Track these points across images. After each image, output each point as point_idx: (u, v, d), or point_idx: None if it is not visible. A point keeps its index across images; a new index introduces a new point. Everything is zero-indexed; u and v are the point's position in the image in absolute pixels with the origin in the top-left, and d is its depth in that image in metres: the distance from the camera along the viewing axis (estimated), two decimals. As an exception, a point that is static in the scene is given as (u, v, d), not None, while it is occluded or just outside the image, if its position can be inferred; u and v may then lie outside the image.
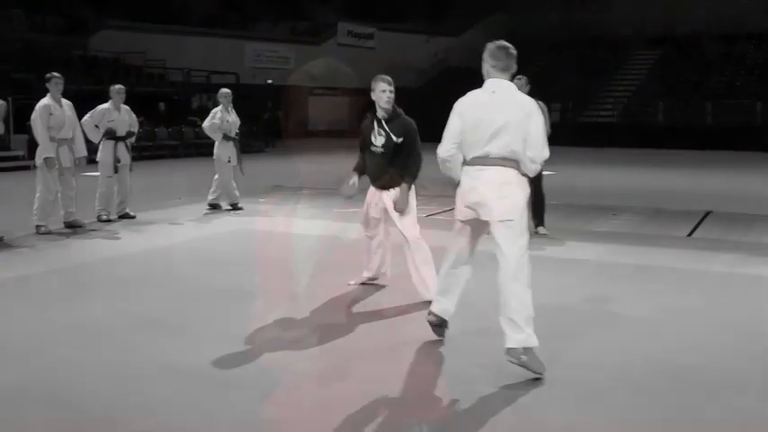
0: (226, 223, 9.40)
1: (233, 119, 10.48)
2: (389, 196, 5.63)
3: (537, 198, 8.50)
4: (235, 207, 10.36)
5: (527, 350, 4.04)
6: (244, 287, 6.07)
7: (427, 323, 4.67)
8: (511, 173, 4.07)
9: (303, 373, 4.19)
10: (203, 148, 21.69)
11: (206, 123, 10.47)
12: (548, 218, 8.61)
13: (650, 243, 8.08)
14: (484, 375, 4.14)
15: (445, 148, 4.32)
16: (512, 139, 4.04)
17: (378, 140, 5.61)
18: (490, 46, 4.25)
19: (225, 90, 10.65)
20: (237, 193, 10.45)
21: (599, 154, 21.93)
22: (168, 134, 21.53)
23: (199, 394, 3.88)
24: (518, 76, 8.54)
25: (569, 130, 25.11)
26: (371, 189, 5.80)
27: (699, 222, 9.50)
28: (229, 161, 10.35)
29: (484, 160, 4.09)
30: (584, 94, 29.48)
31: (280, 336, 4.87)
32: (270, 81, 30.52)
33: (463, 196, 4.22)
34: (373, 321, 5.21)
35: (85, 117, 9.29)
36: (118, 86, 9.62)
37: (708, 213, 10.14)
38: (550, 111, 8.79)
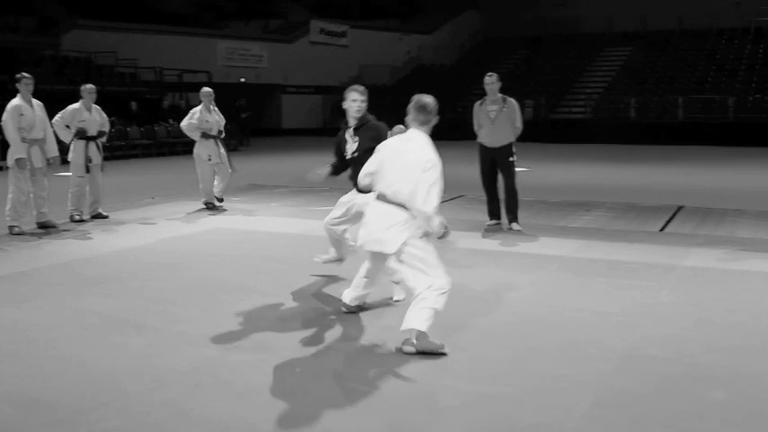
0: (200, 223, 9.35)
1: (214, 118, 10.42)
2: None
3: (510, 194, 8.58)
4: (209, 206, 10.31)
5: (420, 334, 4.41)
6: (217, 287, 6.05)
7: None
8: (401, 213, 4.53)
9: (275, 372, 4.19)
10: (176, 147, 21.64)
11: (184, 122, 10.43)
12: (521, 214, 8.68)
13: (623, 238, 8.17)
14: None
15: (366, 171, 4.87)
16: (402, 186, 4.51)
17: (351, 147, 5.84)
18: (413, 100, 4.68)
19: (206, 89, 10.60)
20: (217, 193, 10.44)
21: (572, 150, 22.10)
22: (140, 133, 21.35)
23: (173, 393, 3.87)
24: (489, 73, 8.65)
25: (542, 127, 25.29)
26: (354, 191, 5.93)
27: (671, 217, 9.61)
28: (209, 159, 10.30)
29: (385, 198, 4.61)
30: (556, 90, 29.69)
31: (253, 335, 4.86)
32: (243, 79, 30.38)
33: (363, 226, 4.77)
34: (347, 317, 5.22)
35: (56, 117, 9.21)
36: (89, 86, 9.53)
37: (680, 208, 10.27)
38: (523, 108, 8.86)
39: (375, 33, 34.93)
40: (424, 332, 4.41)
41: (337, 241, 6.18)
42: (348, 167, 5.91)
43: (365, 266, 5.15)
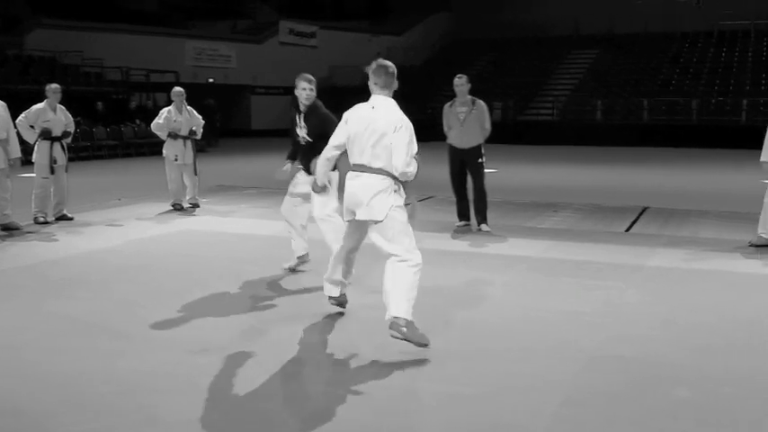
0: (168, 224, 9.26)
1: (185, 117, 10.34)
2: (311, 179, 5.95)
3: (479, 195, 8.63)
4: (176, 207, 10.23)
5: (409, 323, 4.41)
6: (187, 289, 6.00)
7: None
8: (383, 180, 4.53)
9: (246, 374, 4.17)
10: (143, 147, 21.41)
11: (153, 122, 10.38)
12: (490, 215, 8.73)
13: (590, 239, 8.26)
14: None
15: (329, 150, 4.88)
16: (380, 151, 4.50)
17: (301, 132, 6.23)
18: (372, 64, 4.68)
19: (178, 89, 10.53)
20: (189, 194, 10.38)
21: (540, 152, 22.28)
22: (107, 134, 21.09)
23: (143, 397, 3.83)
24: (459, 75, 8.69)
25: (511, 129, 25.47)
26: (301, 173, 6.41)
27: (636, 218, 9.74)
28: (176, 160, 10.22)
29: (362, 168, 4.57)
30: (524, 92, 29.92)
31: (224, 337, 4.83)
32: (211, 80, 30.15)
33: (346, 199, 4.69)
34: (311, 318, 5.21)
35: (20, 117, 9.04)
36: (53, 86, 9.38)
37: (645, 209, 10.41)
38: (492, 109, 8.91)
39: (345, 34, 34.89)
40: (411, 321, 4.43)
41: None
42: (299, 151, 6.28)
43: (340, 249, 5.10)
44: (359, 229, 4.83)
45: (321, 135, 5.71)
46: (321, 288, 5.94)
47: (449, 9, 38.34)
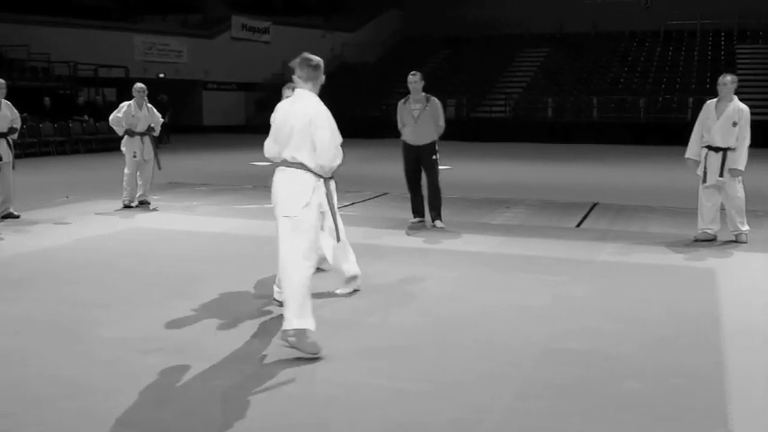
0: (116, 222, 9.10)
1: (143, 114, 10.17)
2: None
3: (433, 192, 8.67)
4: (128, 206, 10.07)
5: (298, 332, 4.32)
6: (136, 288, 5.91)
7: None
8: (301, 175, 4.40)
9: (195, 375, 4.13)
10: (92, 144, 21.00)
11: (112, 115, 10.18)
12: (444, 211, 8.78)
13: (542, 234, 8.37)
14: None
15: (267, 149, 4.66)
16: (300, 145, 4.39)
17: None
18: (297, 59, 4.66)
19: (139, 85, 10.35)
20: (140, 191, 10.21)
21: (493, 149, 22.49)
22: (54, 130, 20.61)
23: (89, 400, 3.76)
24: (412, 72, 8.72)
25: (464, 126, 25.65)
26: None
27: (586, 214, 9.90)
28: (135, 156, 10.06)
29: (284, 162, 4.47)
30: (477, 90, 30.17)
31: (173, 337, 4.77)
32: (162, 75, 29.71)
33: (272, 194, 4.56)
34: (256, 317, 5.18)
35: (-38, 113, 8.80)
36: (-2, 80, 9.15)
37: (594, 205, 10.59)
38: (445, 107, 8.96)
39: (298, 30, 34.70)
40: (303, 330, 4.32)
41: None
42: None
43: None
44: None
45: None
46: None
47: (400, 6, 38.45)
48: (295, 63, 4.63)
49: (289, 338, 4.32)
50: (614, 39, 32.71)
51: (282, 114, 4.53)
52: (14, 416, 3.56)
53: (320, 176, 4.45)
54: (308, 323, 4.36)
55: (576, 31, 33.42)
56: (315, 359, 4.31)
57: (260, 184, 12.25)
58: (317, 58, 4.64)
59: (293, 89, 4.76)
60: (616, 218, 9.58)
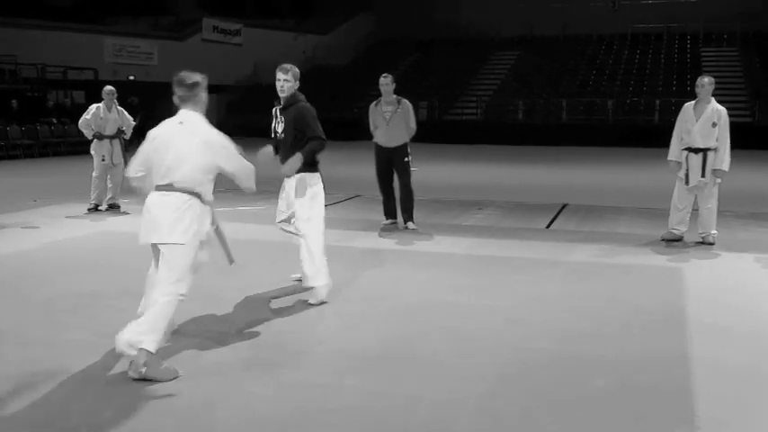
0: (85, 226, 9.01)
1: (113, 117, 10.09)
2: (293, 180, 5.65)
3: (406, 194, 8.72)
4: (96, 208, 9.98)
5: (151, 357, 4.01)
6: (104, 292, 5.86)
7: None
8: (187, 200, 4.16)
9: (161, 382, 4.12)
10: (60, 147, 20.74)
11: (81, 118, 10.09)
12: (416, 213, 8.83)
13: (512, 236, 8.45)
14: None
15: (133, 170, 4.40)
16: (192, 169, 4.16)
17: (279, 127, 5.78)
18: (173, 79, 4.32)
19: (109, 87, 10.28)
20: (109, 195, 10.13)
21: (464, 151, 22.61)
22: (22, 133, 20.33)
23: (56, 402, 3.74)
24: (384, 74, 8.76)
25: (435, 128, 25.74)
26: (285, 180, 5.75)
27: (556, 215, 10.02)
28: (103, 160, 9.98)
29: (168, 187, 4.18)
30: (449, 92, 30.30)
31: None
32: (132, 77, 29.42)
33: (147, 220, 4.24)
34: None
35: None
36: (-36, 83, 9.02)
37: (564, 206, 10.71)
38: (417, 109, 9.02)
39: (270, 32, 34.60)
40: (153, 354, 4.02)
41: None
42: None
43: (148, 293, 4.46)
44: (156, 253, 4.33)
45: (299, 129, 5.57)
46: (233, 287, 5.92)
47: (372, 9, 38.50)
48: (173, 86, 4.32)
49: (140, 369, 3.98)
50: (583, 41, 33.06)
51: (168, 139, 4.24)
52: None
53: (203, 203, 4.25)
54: (155, 346, 4.04)
55: (545, 34, 33.72)
56: (284, 364, 4.32)
57: (230, 188, 12.20)
58: (188, 76, 4.37)
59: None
60: (585, 218, 9.70)
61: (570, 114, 27.38)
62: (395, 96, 8.66)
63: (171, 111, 4.39)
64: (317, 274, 5.59)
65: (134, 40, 30.57)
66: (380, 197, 8.97)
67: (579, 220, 9.64)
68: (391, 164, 8.71)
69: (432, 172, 15.16)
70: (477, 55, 33.45)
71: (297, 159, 5.48)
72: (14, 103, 21.72)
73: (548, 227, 9.22)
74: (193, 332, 4.90)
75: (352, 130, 23.06)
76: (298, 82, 5.78)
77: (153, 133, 4.31)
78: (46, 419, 3.59)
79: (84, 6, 31.91)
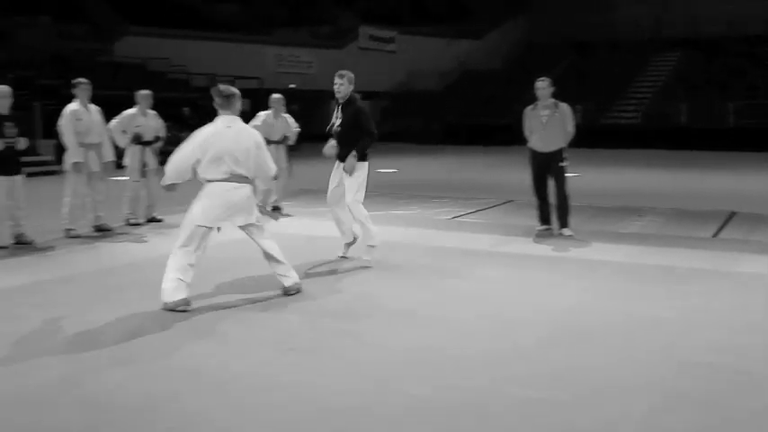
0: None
1: (280, 124, 10.61)
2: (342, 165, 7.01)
3: (561, 199, 8.52)
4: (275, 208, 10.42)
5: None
6: (269, 289, 6.11)
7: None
8: (251, 189, 5.61)
9: (318, 377, 4.24)
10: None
11: (250, 123, 10.59)
12: (572, 219, 8.61)
13: (676, 244, 8.05)
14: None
15: (181, 163, 5.71)
16: (252, 164, 5.55)
17: (337, 122, 7.08)
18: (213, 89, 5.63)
19: (277, 95, 10.83)
20: (275, 197, 10.54)
21: (622, 155, 21.82)
22: (192, 139, 21.70)
23: (232, 397, 3.95)
24: (541, 78, 8.62)
25: (592, 132, 25.00)
26: (335, 164, 7.20)
27: (724, 223, 9.44)
28: None
29: (238, 179, 5.47)
30: (606, 95, 29.34)
31: (305, 338, 4.92)
32: (292, 85, 30.67)
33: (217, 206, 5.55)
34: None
35: (113, 122, 9.33)
36: (144, 92, 9.68)
37: (733, 214, 10.07)
38: (574, 112, 8.79)
39: (423, 39, 34.97)
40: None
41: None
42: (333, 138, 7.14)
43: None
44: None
45: (354, 125, 6.88)
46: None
47: (529, 12, 37.96)
48: (213, 92, 5.61)
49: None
50: (752, 42, 30.94)
51: (221, 139, 5.49)
52: (140, 396, 3.79)
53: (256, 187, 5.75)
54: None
55: (709, 33, 31.86)
56: (444, 371, 4.34)
57: (385, 192, 12.46)
58: (224, 87, 5.62)
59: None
60: (755, 228, 9.07)
61: (738, 118, 25.72)
62: (552, 100, 8.50)
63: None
64: (369, 235, 6.93)
65: (295, 49, 31.89)
66: (535, 202, 8.83)
67: (748, 229, 9.03)
68: (547, 169, 8.55)
69: (588, 177, 14.74)
70: (636, 56, 32.17)
71: (353, 158, 6.88)
72: (186, 110, 23.24)
73: (714, 236, 8.71)
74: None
75: (505, 135, 22.89)
76: (352, 85, 7.02)
77: (208, 132, 5.52)
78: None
79: (250, 19, 33.62)
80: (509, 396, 3.91)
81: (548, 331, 5.02)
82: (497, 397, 3.91)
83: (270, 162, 5.81)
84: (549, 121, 8.43)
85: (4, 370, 4.29)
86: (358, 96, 7.04)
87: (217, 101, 5.58)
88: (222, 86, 5.66)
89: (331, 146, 7.16)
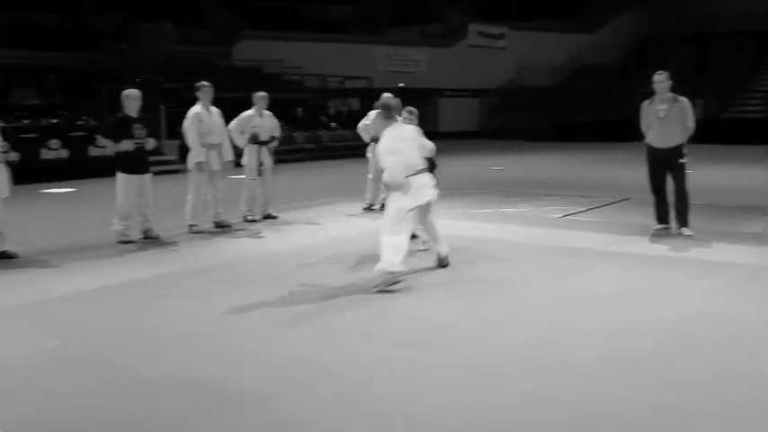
0: (363, 224, 9.58)
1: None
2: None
3: (680, 197, 8.22)
4: (370, 208, 10.55)
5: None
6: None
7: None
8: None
9: (438, 372, 4.27)
10: (338, 150, 22.39)
11: (360, 123, 10.73)
12: (692, 218, 8.28)
13: (806, 245, 7.61)
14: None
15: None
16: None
17: None
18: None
19: (391, 97, 10.82)
20: (382, 195, 10.65)
21: (746, 151, 20.77)
22: (306, 138, 22.29)
23: (342, 386, 4.05)
24: (659, 72, 8.34)
25: (713, 128, 23.90)
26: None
27: None
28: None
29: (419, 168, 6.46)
30: (729, 89, 27.97)
31: (412, 333, 4.97)
32: (401, 84, 30.91)
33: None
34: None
35: (232, 123, 9.69)
36: (261, 93, 9.99)
37: None
38: (694, 107, 8.44)
39: (534, 34, 34.45)
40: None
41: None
42: None
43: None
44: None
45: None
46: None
47: (644, 3, 36.68)
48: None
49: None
50: None
51: (400, 138, 6.45)
52: (277, 397, 3.93)
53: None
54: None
55: None
56: (562, 373, 4.30)
57: (494, 189, 12.35)
58: (391, 96, 6.81)
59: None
60: None
61: None
62: (670, 94, 8.20)
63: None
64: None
65: (404, 48, 32.13)
66: (652, 200, 8.54)
67: None
68: (665, 165, 8.26)
69: (708, 174, 14.13)
70: (761, 47, 30.47)
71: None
72: (300, 110, 23.84)
73: None
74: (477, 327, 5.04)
75: (620, 130, 22.22)
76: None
77: (395, 134, 6.42)
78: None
79: (360, 19, 34.12)
80: (625, 399, 3.82)
81: (666, 336, 4.85)
82: (612, 401, 3.83)
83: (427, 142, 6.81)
84: (666, 115, 8.14)
85: (129, 361, 4.56)
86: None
87: (384, 113, 6.63)
88: (384, 99, 6.71)
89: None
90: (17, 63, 21.05)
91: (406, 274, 6.17)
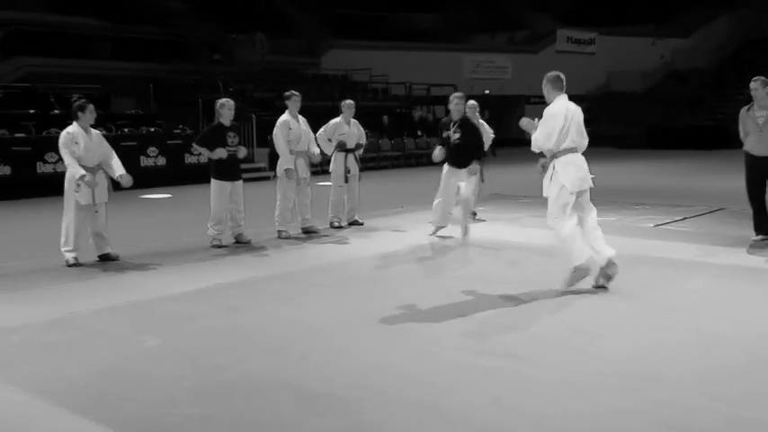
0: (445, 232, 9.54)
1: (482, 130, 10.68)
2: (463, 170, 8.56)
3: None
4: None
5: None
6: (464, 290, 6.20)
7: None
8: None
9: (520, 380, 4.24)
10: (423, 158, 22.43)
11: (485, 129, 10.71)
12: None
13: None
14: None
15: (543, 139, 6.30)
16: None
17: (453, 136, 8.63)
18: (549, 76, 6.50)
19: (471, 102, 10.58)
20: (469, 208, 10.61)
21: None
22: (391, 146, 22.45)
23: (422, 392, 4.07)
24: (755, 78, 8.06)
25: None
26: (447, 168, 8.78)
27: None
28: None
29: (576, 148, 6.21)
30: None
31: (500, 344, 4.95)
32: (487, 91, 30.75)
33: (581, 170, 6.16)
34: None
35: (320, 131, 9.86)
36: (348, 101, 10.13)
37: None
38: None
39: (625, 39, 33.65)
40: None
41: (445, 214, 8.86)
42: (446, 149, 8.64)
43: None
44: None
45: (467, 138, 8.59)
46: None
47: (744, 7, 35.30)
48: (548, 79, 6.52)
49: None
50: None
51: (570, 114, 6.22)
52: (364, 401, 3.99)
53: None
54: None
55: None
56: (649, 384, 4.21)
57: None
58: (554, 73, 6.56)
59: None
60: None
61: None
62: (770, 100, 7.89)
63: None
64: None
65: (490, 55, 31.96)
66: (750, 210, 8.23)
67: None
68: (764, 174, 7.95)
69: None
70: None
71: (475, 165, 8.63)
72: (386, 118, 24.03)
73: None
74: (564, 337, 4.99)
75: (717, 138, 21.50)
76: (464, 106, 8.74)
77: (561, 111, 6.22)
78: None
79: (446, 27, 34.14)
80: (713, 413, 3.71)
81: (760, 349, 4.68)
82: (705, 416, 3.73)
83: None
84: (766, 122, 7.84)
85: (222, 360, 4.71)
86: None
87: (548, 86, 6.46)
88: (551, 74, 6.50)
89: (439, 152, 8.77)
90: (118, 74, 22.07)
91: (589, 265, 6.08)
